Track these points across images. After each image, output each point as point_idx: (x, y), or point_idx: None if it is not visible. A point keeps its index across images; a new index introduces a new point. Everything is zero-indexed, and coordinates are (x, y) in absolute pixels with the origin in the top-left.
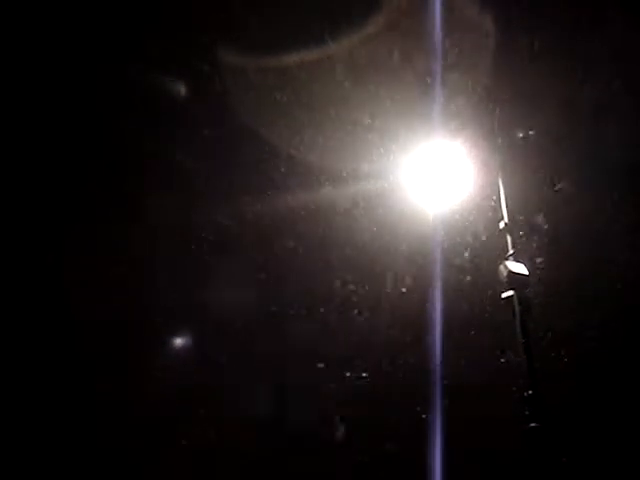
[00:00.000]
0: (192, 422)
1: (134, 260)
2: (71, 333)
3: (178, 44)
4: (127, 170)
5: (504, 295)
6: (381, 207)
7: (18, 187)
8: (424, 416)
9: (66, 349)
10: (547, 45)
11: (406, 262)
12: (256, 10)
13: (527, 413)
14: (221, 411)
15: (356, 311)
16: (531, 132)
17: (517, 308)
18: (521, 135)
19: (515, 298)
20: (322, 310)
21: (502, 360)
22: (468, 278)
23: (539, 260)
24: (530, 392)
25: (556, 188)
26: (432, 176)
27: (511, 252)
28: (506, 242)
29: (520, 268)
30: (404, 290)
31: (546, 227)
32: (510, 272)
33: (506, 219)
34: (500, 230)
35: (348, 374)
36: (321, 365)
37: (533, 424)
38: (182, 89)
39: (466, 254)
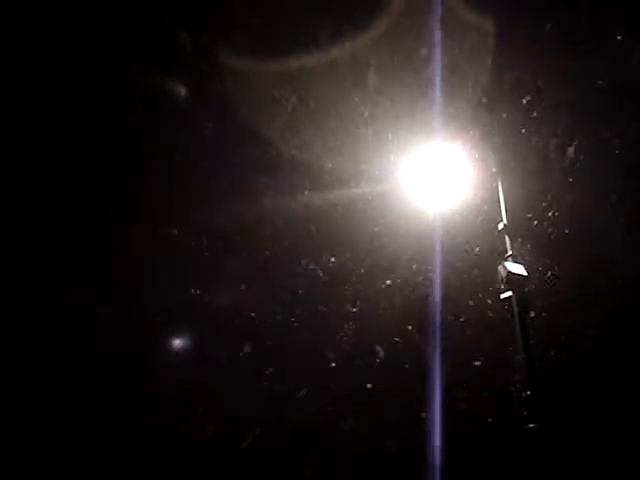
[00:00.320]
0: (192, 422)
1: (134, 260)
2: (70, 333)
3: (179, 44)
4: (128, 170)
5: (503, 296)
6: (381, 208)
7: (18, 187)
8: (423, 415)
9: (65, 349)
10: (547, 46)
11: (406, 262)
12: (258, 11)
13: (526, 413)
14: (221, 411)
15: (356, 310)
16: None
17: (516, 308)
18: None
19: (514, 298)
20: (322, 310)
21: (501, 360)
22: (467, 279)
23: (539, 260)
24: (529, 392)
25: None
26: (432, 177)
27: (510, 253)
28: (505, 243)
29: (519, 269)
30: (404, 290)
31: (545, 227)
32: (509, 273)
33: (505, 220)
34: (499, 231)
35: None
36: (321, 364)
37: (532, 424)
38: (183, 89)
39: (465, 255)
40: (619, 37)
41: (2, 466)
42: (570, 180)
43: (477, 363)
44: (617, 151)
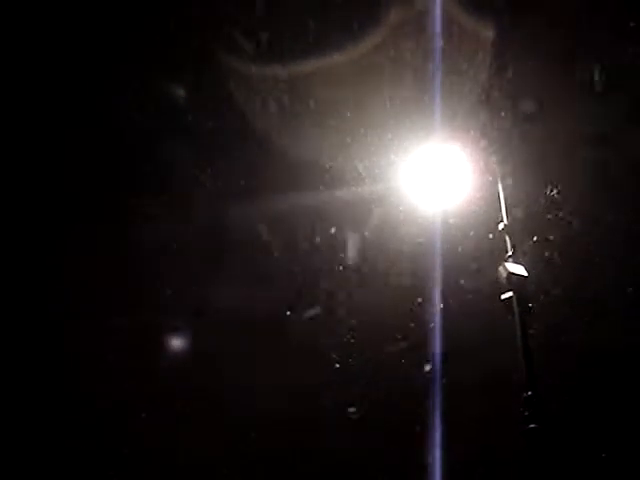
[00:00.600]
0: (192, 422)
1: (135, 260)
2: (70, 333)
3: (180, 45)
4: (128, 170)
5: (503, 296)
6: (381, 208)
7: (19, 187)
8: (423, 415)
9: (65, 349)
10: (546, 46)
11: (406, 263)
12: (260, 14)
13: (526, 414)
14: (221, 411)
15: (355, 310)
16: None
17: (516, 309)
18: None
19: (514, 299)
20: (322, 310)
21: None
22: (467, 279)
23: (539, 261)
24: (529, 393)
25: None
26: (431, 177)
27: (510, 253)
28: (505, 243)
29: (519, 269)
30: (403, 290)
31: (546, 227)
32: (509, 273)
33: (505, 220)
34: (499, 231)
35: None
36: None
37: (532, 425)
38: (185, 90)
39: (465, 255)
40: (618, 38)
41: (2, 466)
42: (570, 180)
43: (476, 362)
44: (618, 150)
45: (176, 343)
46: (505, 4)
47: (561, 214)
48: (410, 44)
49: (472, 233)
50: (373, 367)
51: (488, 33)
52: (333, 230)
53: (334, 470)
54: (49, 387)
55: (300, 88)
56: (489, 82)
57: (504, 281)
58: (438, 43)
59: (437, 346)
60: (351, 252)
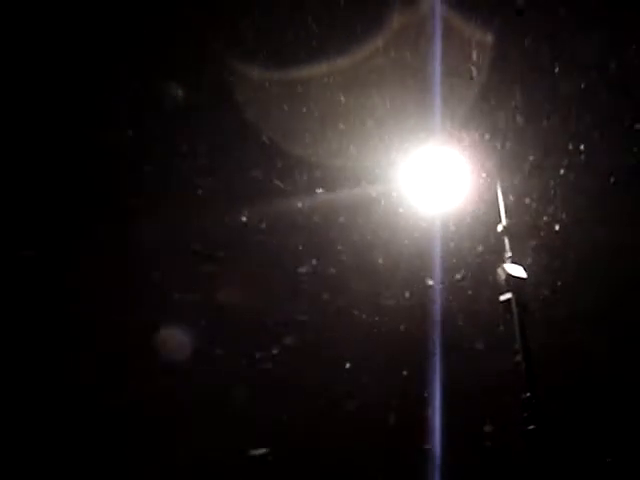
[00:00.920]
0: (192, 422)
1: (136, 260)
2: (70, 333)
3: (183, 46)
4: (128, 170)
5: (502, 297)
6: (381, 209)
7: (20, 187)
8: (424, 416)
9: (65, 348)
10: (546, 47)
11: (405, 263)
12: (261, 14)
13: (525, 415)
14: (221, 411)
15: (355, 311)
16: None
17: (515, 310)
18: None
19: (513, 300)
20: (323, 309)
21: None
22: (467, 279)
23: (539, 261)
24: (528, 394)
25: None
26: (431, 179)
27: (509, 254)
28: (504, 245)
29: (518, 270)
30: (403, 291)
31: (545, 227)
32: (508, 274)
33: (504, 222)
34: (498, 233)
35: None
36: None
37: (531, 426)
38: (186, 90)
39: (465, 255)
40: (618, 38)
41: (3, 466)
42: (570, 180)
43: (476, 363)
44: (618, 149)
45: (176, 343)
46: (505, 7)
47: (561, 215)
48: (410, 46)
49: (471, 234)
50: (372, 367)
51: (488, 35)
52: (333, 230)
53: (334, 470)
54: (48, 386)
55: (301, 90)
56: (488, 84)
57: (503, 282)
58: (438, 45)
59: (437, 346)
60: (351, 252)
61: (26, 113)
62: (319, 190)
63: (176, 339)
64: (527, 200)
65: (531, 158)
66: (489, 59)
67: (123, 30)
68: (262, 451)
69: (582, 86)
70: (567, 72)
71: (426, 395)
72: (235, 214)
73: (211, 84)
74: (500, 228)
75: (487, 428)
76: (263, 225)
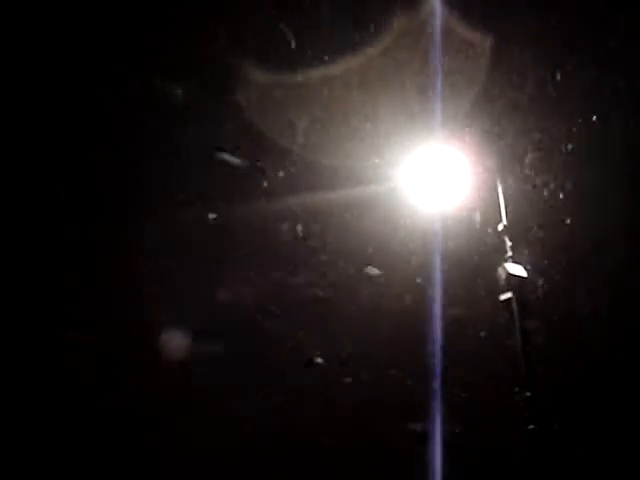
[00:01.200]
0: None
1: (136, 260)
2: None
3: (186, 47)
4: (129, 170)
5: (503, 297)
6: (381, 209)
7: (21, 187)
8: (424, 416)
9: (65, 348)
10: (547, 46)
11: (406, 263)
12: (263, 16)
13: (526, 415)
14: (220, 411)
15: (355, 310)
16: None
17: (516, 310)
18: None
19: (514, 300)
20: (322, 309)
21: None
22: (467, 279)
23: (539, 261)
24: (529, 394)
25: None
26: (431, 178)
27: (509, 254)
28: (505, 244)
29: (518, 270)
30: (404, 290)
31: (545, 228)
32: (509, 274)
33: (505, 221)
34: (499, 232)
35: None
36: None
37: (532, 426)
38: (189, 90)
39: (465, 255)
40: (617, 39)
41: (3, 466)
42: (571, 179)
43: (477, 363)
44: (617, 151)
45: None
46: (504, 7)
47: (561, 214)
48: (411, 46)
49: (472, 234)
50: (372, 367)
51: (488, 35)
52: (333, 230)
53: (333, 471)
54: (48, 386)
55: (302, 90)
56: (489, 83)
57: (503, 282)
58: (438, 45)
59: (437, 346)
60: (351, 252)
61: (26, 113)
62: (318, 189)
63: (176, 339)
64: (527, 200)
65: (532, 157)
66: (489, 59)
67: (125, 31)
68: None
69: (582, 86)
70: (567, 72)
71: (426, 395)
72: (235, 214)
73: (211, 84)
74: (501, 227)
75: (487, 428)
76: (263, 224)
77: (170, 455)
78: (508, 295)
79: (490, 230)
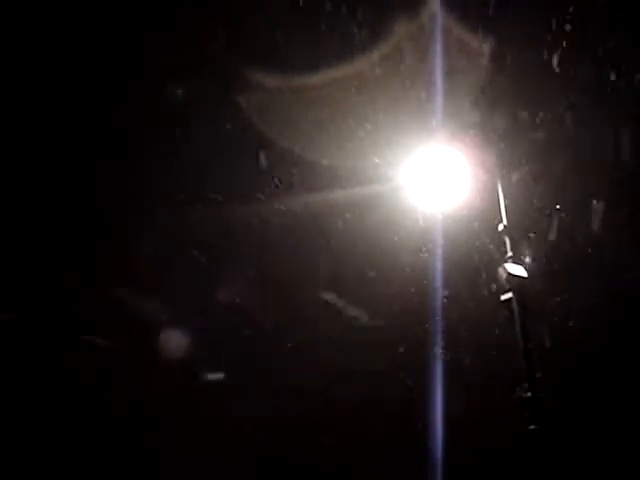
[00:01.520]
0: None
1: (135, 259)
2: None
3: (186, 49)
4: (130, 170)
5: (503, 297)
6: (381, 209)
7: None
8: (424, 416)
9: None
10: (546, 46)
11: (406, 263)
12: (264, 17)
13: (526, 415)
14: (220, 411)
15: (356, 310)
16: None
17: (516, 310)
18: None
19: (514, 300)
20: (322, 309)
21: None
22: (468, 279)
23: (540, 261)
24: (529, 394)
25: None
26: (432, 178)
27: (510, 254)
28: (505, 244)
29: (519, 270)
30: (404, 290)
31: (545, 228)
32: (509, 274)
33: (505, 221)
34: (499, 232)
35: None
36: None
37: (532, 426)
38: (191, 93)
39: (465, 256)
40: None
41: (3, 466)
42: (572, 179)
43: (477, 363)
44: (617, 154)
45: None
46: (504, 9)
47: (561, 214)
48: (411, 47)
49: (472, 234)
50: (373, 366)
51: (488, 36)
52: (334, 230)
53: (334, 471)
54: (48, 385)
55: (303, 91)
56: (489, 84)
57: (504, 282)
58: (439, 46)
59: (438, 346)
60: (351, 252)
61: (25, 113)
62: (320, 189)
63: (176, 339)
64: (528, 200)
65: (532, 157)
66: (490, 60)
67: (128, 33)
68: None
69: (582, 86)
70: (567, 72)
71: (426, 396)
72: (236, 214)
73: (213, 86)
74: (501, 227)
75: (487, 428)
76: (264, 224)
77: (170, 455)
78: (508, 295)
79: (490, 230)
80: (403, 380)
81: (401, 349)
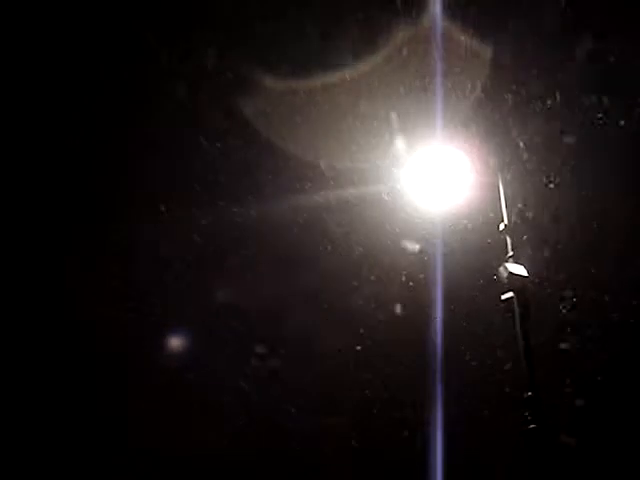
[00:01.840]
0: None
1: (134, 259)
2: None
3: (185, 48)
4: (130, 170)
5: (504, 296)
6: (382, 209)
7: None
8: (424, 416)
9: (65, 348)
10: (547, 46)
11: (406, 263)
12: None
13: (526, 415)
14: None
15: (356, 311)
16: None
17: (517, 310)
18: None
19: (515, 300)
20: (322, 310)
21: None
22: (468, 279)
23: (539, 261)
24: (529, 394)
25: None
26: (432, 178)
27: (511, 253)
28: (506, 243)
29: (520, 269)
30: (404, 291)
31: (546, 228)
32: (510, 273)
33: (506, 221)
34: (500, 231)
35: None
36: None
37: (532, 426)
38: (185, 89)
39: (466, 256)
40: (615, 40)
41: (3, 465)
42: (572, 179)
43: (478, 363)
44: (616, 152)
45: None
46: (505, 9)
47: (563, 213)
48: (412, 47)
49: (473, 234)
50: (373, 366)
51: (489, 36)
52: (334, 230)
53: (333, 471)
54: (48, 385)
55: (303, 92)
56: (490, 83)
57: (505, 281)
58: (440, 46)
59: (437, 346)
60: (351, 252)
61: (24, 112)
62: (320, 190)
63: (176, 339)
64: (529, 199)
65: (533, 157)
66: (490, 59)
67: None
68: None
69: (582, 86)
70: (567, 72)
71: (426, 396)
72: (235, 214)
73: (213, 85)
74: (502, 227)
75: (487, 428)
76: (264, 225)
77: (170, 455)
78: (509, 295)
79: (491, 230)
80: (402, 380)
81: (401, 349)
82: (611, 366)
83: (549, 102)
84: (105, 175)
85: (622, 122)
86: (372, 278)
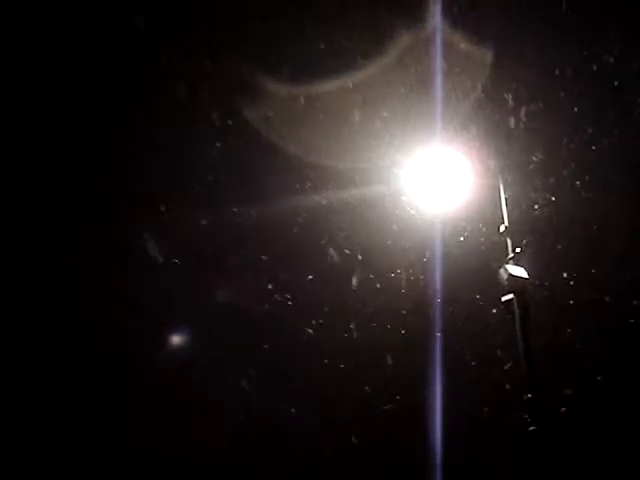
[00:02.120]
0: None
1: (134, 259)
2: (71, 332)
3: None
4: (130, 169)
5: (504, 299)
6: (382, 210)
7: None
8: (424, 416)
9: (66, 348)
10: (547, 46)
11: (406, 264)
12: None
13: (526, 417)
14: (219, 410)
15: (356, 312)
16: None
17: (517, 311)
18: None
19: (515, 301)
20: (322, 310)
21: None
22: (468, 280)
23: (540, 261)
24: (529, 396)
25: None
26: (432, 179)
27: (511, 255)
28: (506, 245)
29: (520, 271)
30: (404, 291)
31: (546, 230)
32: (510, 275)
33: (506, 222)
34: (500, 233)
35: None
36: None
37: (532, 427)
38: (185, 89)
39: (466, 256)
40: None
41: (3, 465)
42: (572, 179)
43: (477, 365)
44: (618, 148)
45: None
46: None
47: (563, 215)
48: (412, 49)
49: (473, 235)
50: (373, 366)
51: (489, 38)
52: (334, 231)
53: (333, 471)
54: (48, 385)
55: (304, 94)
56: (489, 86)
57: (505, 283)
58: (440, 48)
59: (437, 347)
60: (352, 253)
61: (25, 112)
62: (320, 191)
63: (176, 339)
64: (529, 200)
65: (533, 158)
66: (490, 62)
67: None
68: None
69: (582, 86)
70: (567, 73)
71: (427, 396)
72: (235, 214)
73: (213, 85)
74: (502, 229)
75: (487, 428)
76: (264, 225)
77: (170, 454)
78: (509, 296)
79: (491, 231)
80: (402, 380)
81: (401, 349)
82: (611, 366)
83: (549, 103)
84: (105, 175)
85: (622, 123)
86: (372, 278)
